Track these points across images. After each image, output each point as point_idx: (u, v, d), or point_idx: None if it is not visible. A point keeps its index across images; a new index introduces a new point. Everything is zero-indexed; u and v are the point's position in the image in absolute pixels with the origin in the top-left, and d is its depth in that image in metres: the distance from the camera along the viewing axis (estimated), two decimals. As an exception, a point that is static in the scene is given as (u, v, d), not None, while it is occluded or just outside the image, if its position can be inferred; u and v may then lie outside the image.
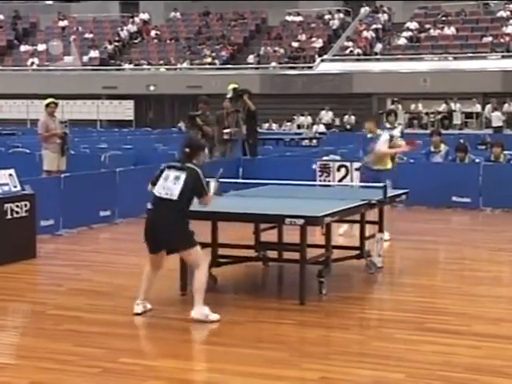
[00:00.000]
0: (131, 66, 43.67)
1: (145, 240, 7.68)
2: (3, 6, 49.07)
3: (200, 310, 7.45)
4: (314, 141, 26.85)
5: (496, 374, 6.15)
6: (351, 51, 40.50)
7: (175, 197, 7.49)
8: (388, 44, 41.17)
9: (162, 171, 7.69)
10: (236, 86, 17.73)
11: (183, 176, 7.53)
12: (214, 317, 7.48)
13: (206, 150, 8.26)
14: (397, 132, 16.72)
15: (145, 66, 43.53)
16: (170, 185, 7.55)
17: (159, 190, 7.59)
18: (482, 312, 7.92)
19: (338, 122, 38.44)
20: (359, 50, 40.39)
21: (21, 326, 7.74)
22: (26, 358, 6.59)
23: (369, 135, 11.66)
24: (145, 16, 48.25)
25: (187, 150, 7.68)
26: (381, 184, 9.61)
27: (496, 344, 6.86)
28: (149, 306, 7.77)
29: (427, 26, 41.05)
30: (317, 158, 14.79)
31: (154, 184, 7.68)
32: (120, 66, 44.20)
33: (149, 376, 6.12)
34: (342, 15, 44.31)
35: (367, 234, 9.70)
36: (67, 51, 44.24)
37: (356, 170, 12.54)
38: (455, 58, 37.97)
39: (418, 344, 6.84)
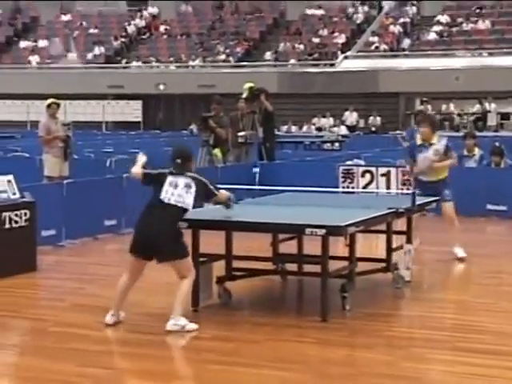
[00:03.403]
0: (139, 64, 43.85)
1: (133, 242, 7.84)
2: (1, -1, 49.49)
3: (176, 321, 7.58)
4: (337, 144, 26.86)
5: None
6: (377, 47, 40.51)
7: (189, 206, 7.81)
8: (417, 39, 41.16)
9: (164, 176, 7.89)
10: (252, 85, 17.74)
11: (193, 185, 7.81)
12: (192, 327, 7.61)
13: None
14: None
15: (154, 64, 43.69)
16: (181, 192, 7.79)
17: (167, 196, 7.80)
18: (521, 330, 7.88)
19: (362, 123, 38.46)
20: (385, 46, 40.39)
21: (20, 344, 7.74)
22: (24, 379, 6.58)
23: (419, 142, 11.02)
24: (154, 10, 48.47)
25: (178, 160, 7.92)
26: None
27: (536, 365, 6.82)
28: (122, 315, 7.93)
29: (459, 19, 41.01)
30: (339, 162, 14.79)
31: (153, 182, 7.93)
32: (127, 63, 44.39)
33: (158, 399, 6.11)
34: (366, 8, 44.33)
35: (394, 245, 9.68)
36: (67, 48, 44.48)
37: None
38: (490, 54, 37.91)
39: (450, 365, 6.81)
